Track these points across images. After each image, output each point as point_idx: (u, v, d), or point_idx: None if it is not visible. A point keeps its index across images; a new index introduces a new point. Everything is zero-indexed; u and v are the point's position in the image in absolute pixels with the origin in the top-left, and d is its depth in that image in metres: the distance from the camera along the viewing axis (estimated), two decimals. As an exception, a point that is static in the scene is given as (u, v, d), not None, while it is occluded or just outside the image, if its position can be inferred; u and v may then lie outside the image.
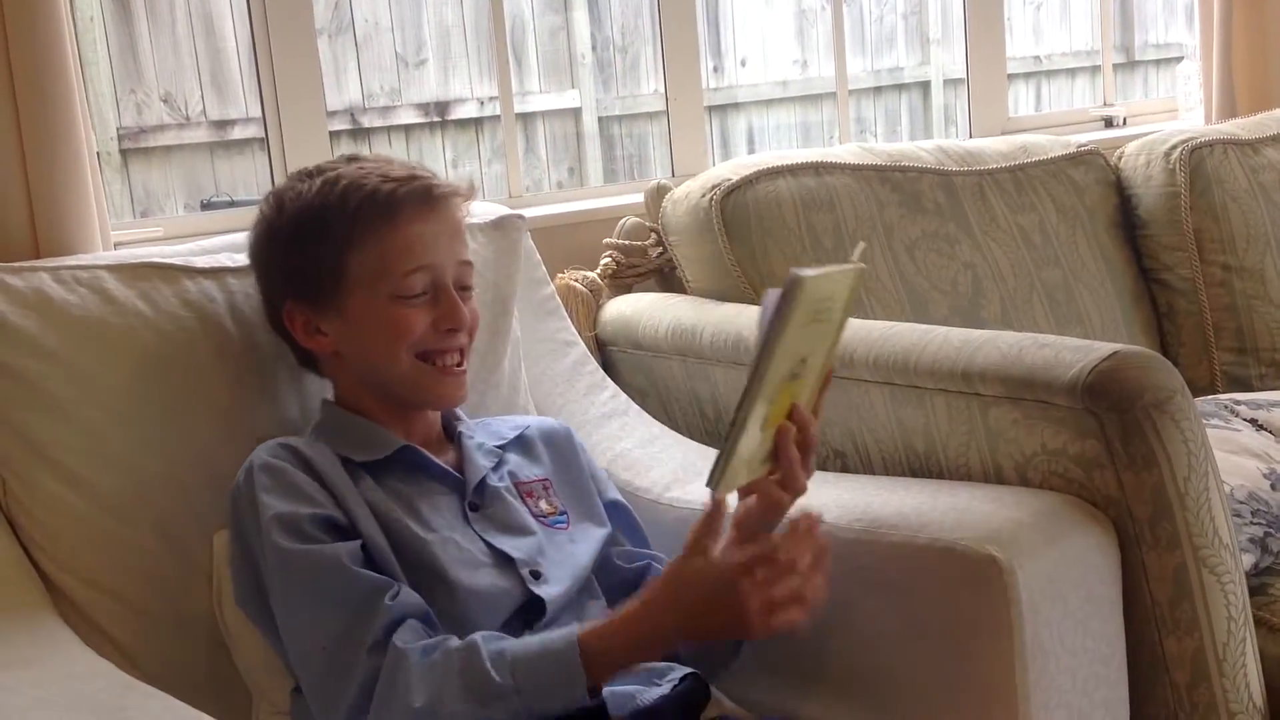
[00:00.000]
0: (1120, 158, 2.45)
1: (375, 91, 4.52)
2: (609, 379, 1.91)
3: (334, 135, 4.37)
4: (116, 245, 1.83)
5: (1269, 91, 2.73)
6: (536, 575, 1.42)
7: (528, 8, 4.66)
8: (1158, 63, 5.59)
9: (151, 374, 1.50)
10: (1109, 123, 2.99)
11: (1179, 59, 3.38)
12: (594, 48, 4.78)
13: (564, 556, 1.47)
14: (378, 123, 4.52)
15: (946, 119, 5.16)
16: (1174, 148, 2.36)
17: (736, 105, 5.01)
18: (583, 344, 1.94)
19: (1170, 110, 3.04)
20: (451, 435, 1.53)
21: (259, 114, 2.16)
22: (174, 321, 1.53)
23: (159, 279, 1.56)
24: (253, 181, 4.21)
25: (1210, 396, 2.05)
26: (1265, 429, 1.90)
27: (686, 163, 2.50)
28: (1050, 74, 5.45)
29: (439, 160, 4.59)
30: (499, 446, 1.54)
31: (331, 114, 4.37)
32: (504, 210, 1.84)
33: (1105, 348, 1.54)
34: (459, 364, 1.45)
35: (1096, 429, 1.51)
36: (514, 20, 4.59)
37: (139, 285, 1.54)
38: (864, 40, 5.18)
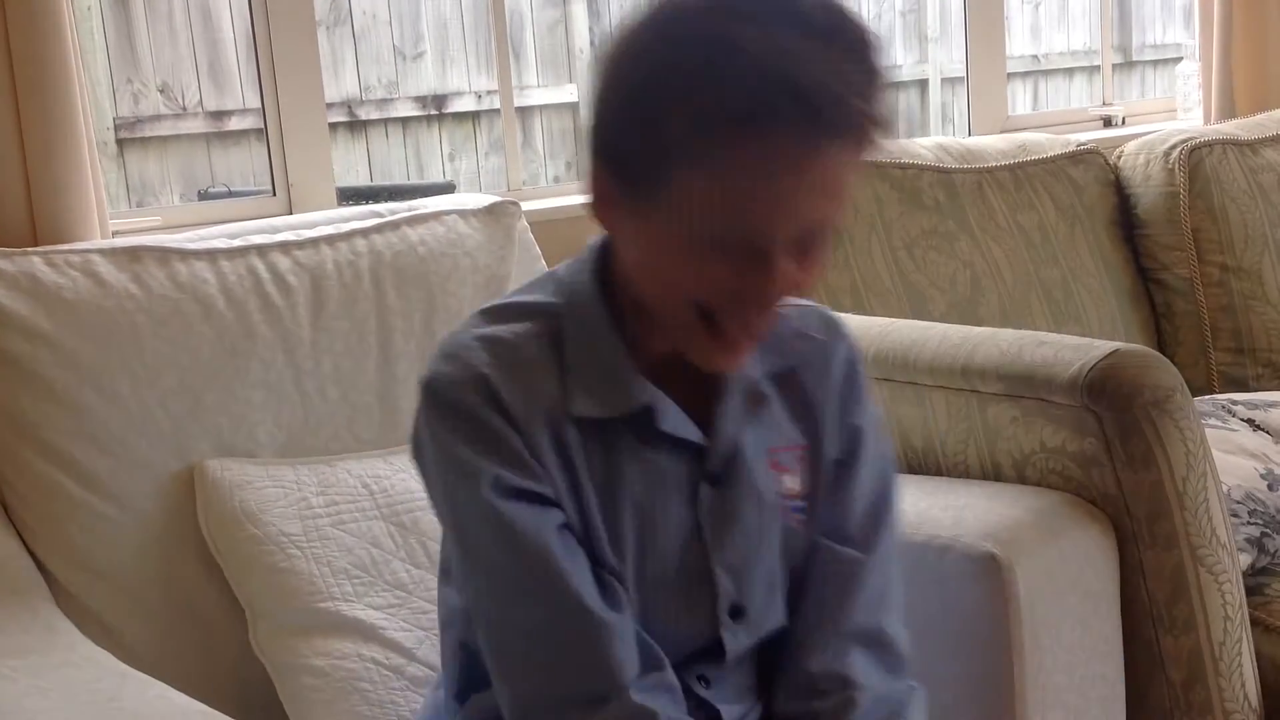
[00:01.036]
0: (1119, 157, 2.45)
1: (373, 84, 4.51)
2: (607, 372, 1.91)
3: (330, 128, 4.38)
4: (115, 235, 1.83)
5: (1268, 92, 2.73)
6: (737, 614, 1.15)
7: (526, 1, 4.66)
8: (1155, 63, 5.59)
9: (143, 356, 1.51)
10: (1108, 122, 2.99)
11: (1176, 59, 3.38)
12: (592, 42, 4.77)
13: (768, 546, 1.17)
14: (375, 115, 4.51)
15: (944, 117, 5.15)
16: (1173, 148, 2.36)
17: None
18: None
19: (1169, 110, 3.04)
20: None
21: (256, 105, 2.16)
22: (166, 304, 1.54)
23: (151, 261, 1.56)
24: (249, 172, 4.20)
25: (1208, 396, 2.05)
26: (1262, 429, 1.90)
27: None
28: (1048, 73, 5.45)
29: (436, 154, 4.58)
30: (771, 377, 1.17)
31: (328, 106, 4.36)
32: (498, 197, 1.84)
33: (1105, 346, 1.54)
34: (750, 335, 1.07)
35: (1096, 427, 1.51)
36: (512, 14, 4.59)
37: (131, 268, 1.54)
38: (862, 38, 5.18)
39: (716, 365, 1.09)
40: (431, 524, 1.53)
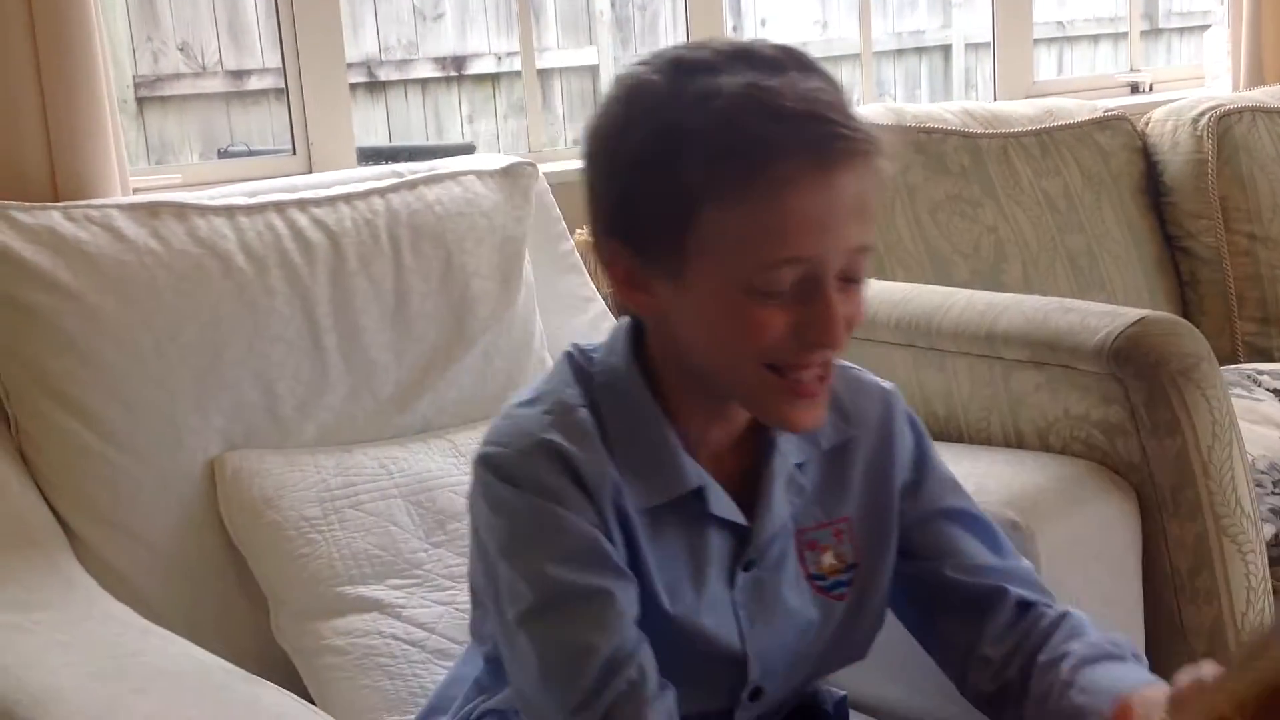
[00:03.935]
0: (1147, 124, 2.43)
1: (392, 45, 4.49)
2: (627, 336, 1.90)
3: (350, 88, 4.36)
4: (135, 192, 1.82)
5: (1297, 60, 2.70)
6: (756, 694, 1.13)
7: (546, -37, 4.63)
8: (1181, 30, 5.53)
9: (163, 310, 1.50)
10: (1135, 89, 2.96)
11: (1203, 27, 3.34)
12: (613, 4, 4.74)
13: (810, 649, 1.16)
14: (394, 76, 4.49)
15: (967, 83, 5.11)
16: (1202, 114, 2.34)
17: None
18: (602, 300, 1.93)
19: (1196, 77, 3.01)
20: (755, 436, 1.12)
21: (276, 65, 2.16)
22: (186, 259, 1.53)
23: (170, 216, 1.55)
24: (268, 132, 4.18)
25: (1233, 366, 2.04)
26: (1288, 399, 1.88)
27: (707, 121, 2.46)
28: (1073, 40, 5.39)
29: (455, 116, 4.57)
30: (819, 453, 1.15)
31: (348, 66, 4.34)
32: (515, 158, 1.83)
33: (1132, 313, 1.52)
34: (821, 379, 1.03)
35: (1121, 395, 1.49)
36: (533, -25, 4.55)
37: (150, 224, 1.54)
38: (885, 2, 5.13)
39: (798, 422, 1.05)
40: (450, 501, 1.53)
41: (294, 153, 2.10)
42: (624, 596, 1.03)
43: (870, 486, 1.16)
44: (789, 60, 1.00)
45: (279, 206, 1.63)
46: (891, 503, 1.17)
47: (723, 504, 1.09)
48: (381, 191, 1.70)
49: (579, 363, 1.09)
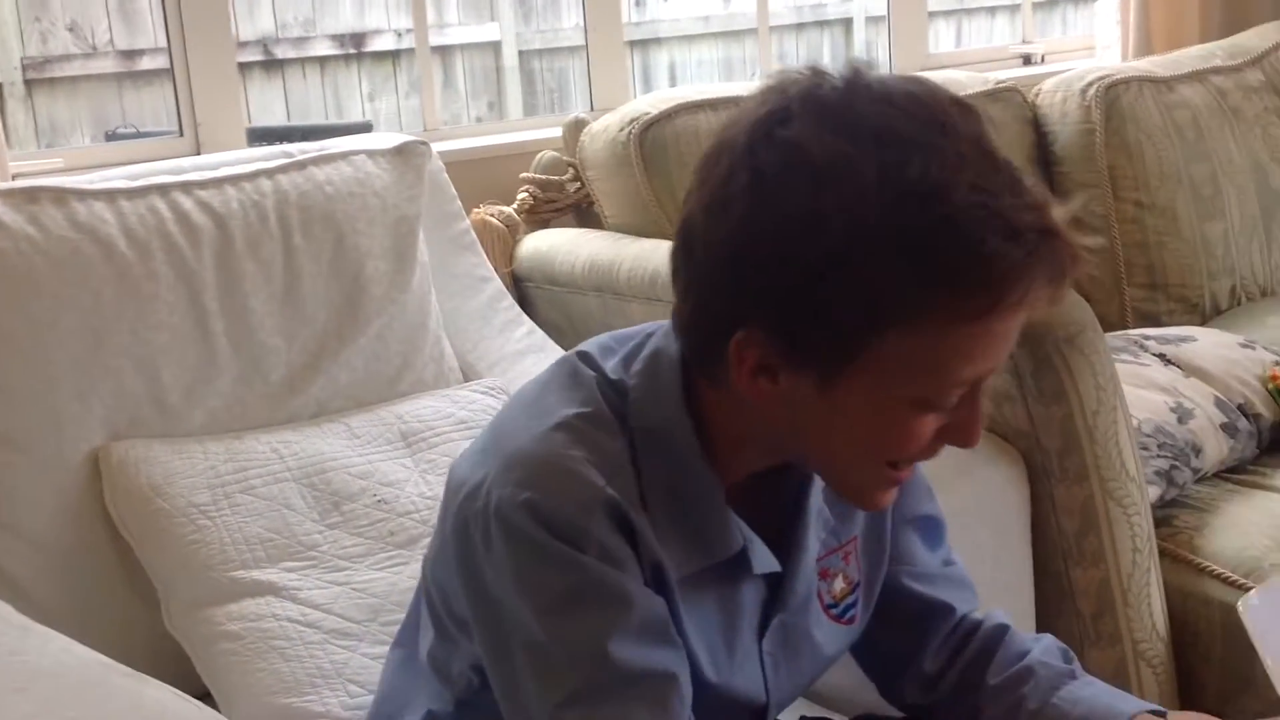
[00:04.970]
0: (1037, 95, 2.46)
1: (289, 22, 4.41)
2: (525, 315, 1.89)
3: (246, 67, 4.28)
4: (15, 178, 1.78)
5: (1184, 30, 2.75)
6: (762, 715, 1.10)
7: (445, -63, 4.58)
8: (1076, 1, 5.61)
9: (41, 297, 1.46)
10: (1028, 60, 3.00)
11: (1096, -2, 3.38)
12: (514, -20, 4.70)
13: (816, 668, 1.13)
14: (291, 54, 4.41)
15: (868, 55, 5.15)
16: (1090, 85, 2.37)
17: (658, 40, 4.96)
18: (498, 280, 1.92)
19: (1088, 48, 3.05)
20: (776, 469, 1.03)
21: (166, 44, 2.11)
22: (64, 245, 1.49)
23: (49, 202, 1.51)
24: (162, 113, 4.10)
25: (1120, 332, 2.07)
26: (1173, 364, 1.92)
27: (606, 97, 2.46)
28: (970, 12, 5.45)
29: (355, 94, 4.51)
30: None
31: (242, 45, 4.26)
32: (407, 136, 1.81)
33: (1017, 283, 1.54)
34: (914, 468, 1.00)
35: (1008, 363, 1.52)
36: (432, -50, 4.50)
37: (28, 209, 1.50)
38: (787, -24, 5.15)
39: (876, 506, 1.00)
40: (345, 483, 1.51)
41: (181, 134, 2.07)
42: (685, 677, 0.95)
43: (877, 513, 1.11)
44: (990, 138, 0.87)
45: (162, 189, 1.60)
46: (888, 514, 1.12)
47: (763, 558, 1.01)
48: (270, 172, 1.67)
49: (607, 392, 0.97)
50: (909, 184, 0.83)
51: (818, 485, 1.05)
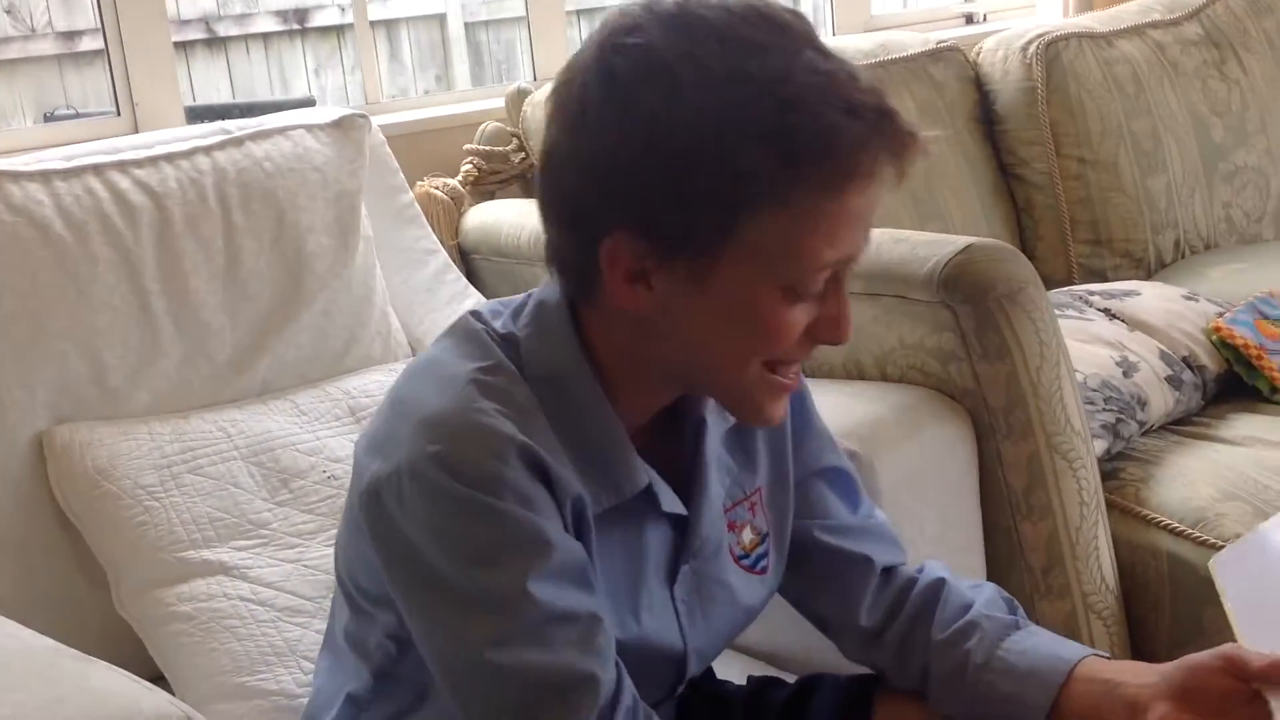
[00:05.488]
0: (979, 54, 2.46)
1: (230, -1, 4.37)
2: (472, 288, 1.89)
3: (188, 45, 4.23)
4: (-52, 161, 1.75)
5: (1124, -15, 2.76)
6: (689, 680, 1.12)
7: (387, -91, 4.53)
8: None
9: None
10: (970, 19, 3.00)
11: (1039, -45, 3.39)
12: (458, -49, 4.67)
13: (734, 618, 1.14)
14: (234, 31, 4.37)
15: (814, 20, 5.14)
16: (1030, 42, 2.38)
17: (603, 9, 4.95)
18: (444, 253, 1.91)
19: (1029, 6, 3.06)
20: (672, 412, 1.06)
21: (104, 24, 2.08)
22: (1, 229, 1.47)
23: None
24: (105, 94, 4.06)
25: (1066, 288, 2.09)
26: (1118, 318, 1.94)
27: (549, 67, 2.45)
28: (917, -27, 5.46)
29: (300, 70, 4.46)
30: (728, 435, 1.10)
31: (185, 23, 4.21)
32: (346, 110, 1.79)
33: (959, 241, 1.55)
34: (798, 371, 1.01)
35: (952, 322, 1.53)
36: (373, -78, 4.45)
37: None
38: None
39: (775, 416, 1.01)
40: (293, 459, 1.51)
41: (119, 114, 2.04)
42: (608, 621, 0.96)
43: (773, 451, 1.14)
44: (811, 33, 0.93)
45: (98, 169, 1.58)
46: (789, 464, 1.15)
47: (669, 498, 1.03)
48: (207, 149, 1.66)
49: (503, 345, 0.99)
50: (753, 74, 0.88)
51: (715, 430, 1.07)
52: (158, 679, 1.32)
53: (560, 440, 0.96)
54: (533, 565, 0.91)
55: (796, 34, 0.91)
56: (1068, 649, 1.11)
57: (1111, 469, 1.73)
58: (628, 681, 0.96)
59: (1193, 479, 1.69)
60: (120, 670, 1.04)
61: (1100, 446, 1.70)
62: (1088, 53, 2.38)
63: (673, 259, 0.92)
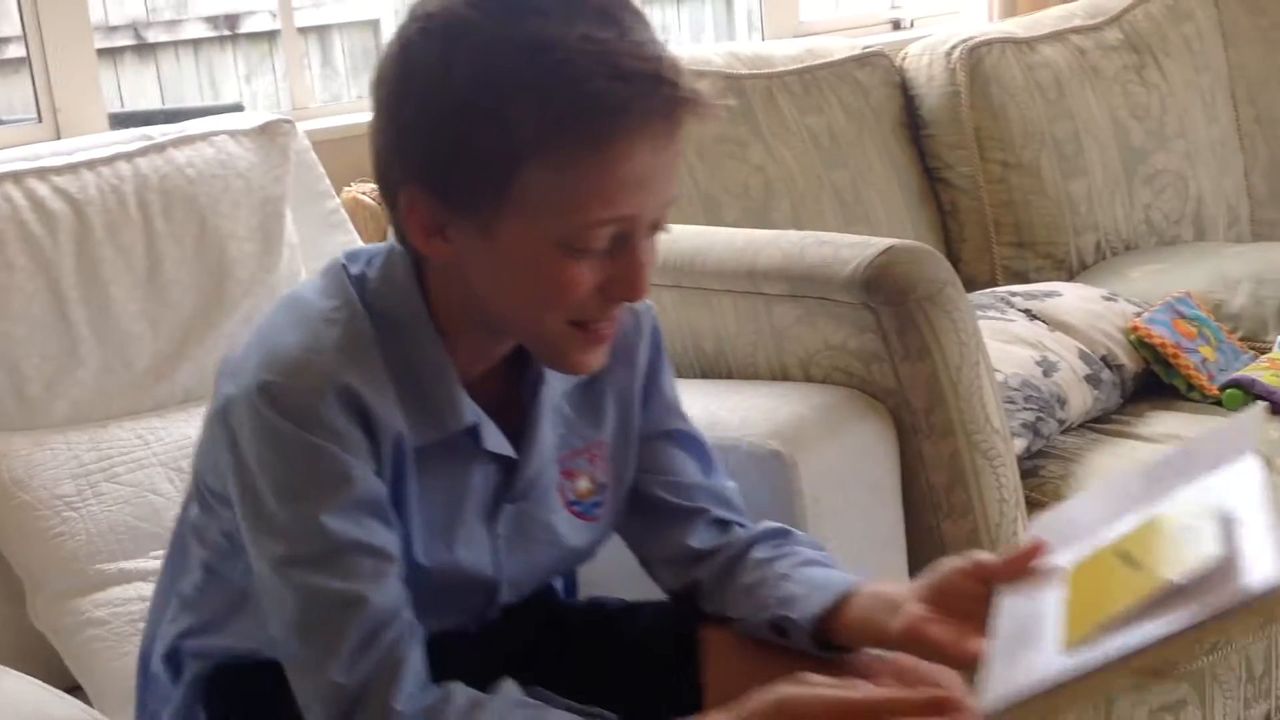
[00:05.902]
0: (904, 59, 2.49)
1: (160, 5, 4.33)
2: (399, 292, 1.88)
3: (116, 52, 4.19)
4: None
5: (1046, -9, 2.80)
6: (502, 608, 1.19)
7: (318, -86, 4.51)
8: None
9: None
10: (897, 25, 3.03)
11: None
12: (390, -43, 4.65)
13: (558, 556, 1.20)
14: (164, 37, 4.33)
15: (749, 25, 5.17)
16: (954, 48, 2.41)
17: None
18: (371, 258, 1.91)
19: (955, 11, 3.10)
20: (516, 363, 1.13)
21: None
22: None
23: None
24: (30, 101, 4.00)
25: (988, 289, 2.12)
26: (1038, 318, 1.97)
27: (478, 71, 2.44)
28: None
29: (231, 76, 4.43)
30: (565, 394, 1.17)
31: (113, 29, 4.17)
32: (270, 115, 1.78)
33: (880, 243, 1.57)
34: (612, 323, 1.06)
35: (874, 323, 1.54)
36: (304, -72, 4.43)
37: None
38: (665, -54, 5.15)
39: (586, 367, 1.07)
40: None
41: (40, 121, 2.02)
42: (397, 554, 1.03)
43: (620, 407, 1.20)
44: (617, 8, 0.98)
45: (16, 176, 1.57)
46: (635, 421, 1.21)
47: (495, 438, 1.10)
48: (129, 156, 1.65)
49: (356, 285, 1.06)
50: (524, 38, 0.95)
51: (557, 383, 1.14)
52: (74, 690, 1.31)
53: (391, 377, 1.03)
54: (331, 498, 0.99)
55: (587, 5, 0.97)
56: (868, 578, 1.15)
57: (1032, 467, 1.76)
58: (406, 612, 1.02)
59: (1111, 476, 1.72)
60: (31, 679, 1.03)
61: (1020, 445, 1.72)
62: (1010, 58, 2.42)
63: (461, 213, 1.00)
